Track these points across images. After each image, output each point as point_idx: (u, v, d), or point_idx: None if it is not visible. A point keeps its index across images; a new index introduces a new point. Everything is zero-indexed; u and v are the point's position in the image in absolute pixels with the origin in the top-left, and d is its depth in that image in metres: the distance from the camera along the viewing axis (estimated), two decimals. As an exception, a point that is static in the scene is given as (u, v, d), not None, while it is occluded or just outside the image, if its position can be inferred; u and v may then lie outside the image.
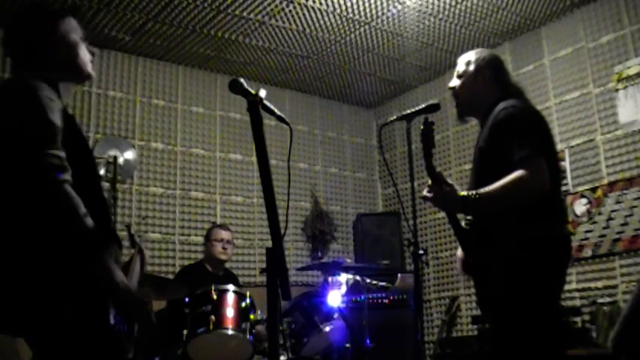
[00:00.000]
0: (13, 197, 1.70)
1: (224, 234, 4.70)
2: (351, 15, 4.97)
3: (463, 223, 2.55)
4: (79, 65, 2.00)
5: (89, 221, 1.68)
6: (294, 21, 5.01)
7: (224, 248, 4.65)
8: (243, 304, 3.72)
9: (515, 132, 2.37)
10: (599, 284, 4.64)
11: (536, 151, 2.31)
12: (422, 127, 2.42)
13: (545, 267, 2.34)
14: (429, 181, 2.44)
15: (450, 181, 2.43)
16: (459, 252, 2.67)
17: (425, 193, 2.46)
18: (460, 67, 2.69)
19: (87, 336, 1.72)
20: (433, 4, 4.86)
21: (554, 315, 2.40)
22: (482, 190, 2.34)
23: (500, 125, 2.42)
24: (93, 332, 1.73)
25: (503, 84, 2.63)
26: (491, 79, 2.62)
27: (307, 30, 5.16)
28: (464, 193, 2.37)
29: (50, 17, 1.99)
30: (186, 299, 3.69)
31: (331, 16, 4.96)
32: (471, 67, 2.64)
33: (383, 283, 4.51)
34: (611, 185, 4.66)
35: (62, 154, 1.70)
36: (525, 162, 2.29)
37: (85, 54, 2.03)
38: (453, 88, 2.70)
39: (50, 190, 1.65)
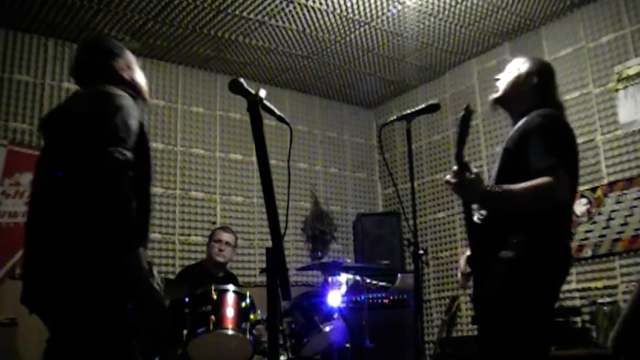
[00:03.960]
0: (77, 184, 1.85)
1: (223, 235, 4.71)
2: (351, 15, 4.97)
3: (475, 217, 2.55)
4: (142, 88, 2.31)
5: (134, 217, 1.82)
6: (294, 21, 5.01)
7: (220, 250, 4.65)
8: (243, 304, 3.73)
9: (546, 139, 2.37)
10: (599, 284, 4.64)
11: (563, 163, 2.32)
12: (463, 112, 2.40)
13: (544, 276, 2.36)
14: (455, 167, 2.42)
15: (475, 170, 2.43)
16: (462, 262, 2.69)
17: (448, 177, 2.46)
18: (513, 66, 2.69)
19: (105, 323, 1.84)
20: (433, 4, 4.86)
21: (544, 323, 2.41)
22: (505, 187, 2.35)
23: (532, 131, 2.41)
24: (111, 320, 1.85)
25: (548, 95, 2.63)
26: (538, 86, 2.62)
27: (307, 30, 5.16)
28: (487, 185, 2.38)
29: (117, 46, 2.33)
30: (186, 299, 3.69)
31: (331, 16, 4.96)
32: (524, 69, 2.65)
33: (383, 283, 4.51)
34: (611, 185, 4.66)
35: (130, 154, 1.88)
36: (552, 170, 2.29)
37: (144, 81, 2.34)
38: (497, 79, 2.71)
39: (111, 179, 1.80)
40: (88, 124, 1.91)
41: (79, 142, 1.88)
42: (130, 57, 2.33)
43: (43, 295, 1.89)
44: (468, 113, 2.39)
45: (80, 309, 1.84)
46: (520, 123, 2.51)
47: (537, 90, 2.62)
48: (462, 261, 2.72)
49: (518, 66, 2.68)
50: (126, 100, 2.02)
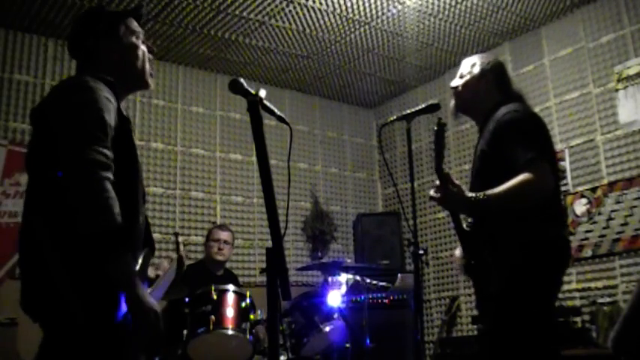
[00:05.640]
0: (55, 189, 1.74)
1: (221, 234, 4.71)
2: (351, 15, 4.97)
3: (464, 225, 2.56)
4: (136, 69, 2.05)
5: (119, 220, 1.69)
6: (294, 21, 5.01)
7: (220, 249, 4.66)
8: (243, 304, 3.72)
9: (519, 135, 2.39)
10: (599, 284, 4.64)
11: (541, 155, 2.34)
12: (435, 127, 2.43)
13: (544, 270, 2.36)
14: (437, 182, 2.44)
15: (457, 182, 2.44)
16: (457, 252, 2.69)
17: (432, 193, 2.47)
18: (464, 68, 2.71)
19: (92, 332, 1.74)
20: (433, 4, 4.86)
21: (549, 317, 2.43)
22: (489, 192, 2.35)
23: (504, 129, 2.43)
24: (98, 329, 1.74)
25: (505, 89, 2.66)
26: (494, 83, 2.65)
27: (307, 30, 5.16)
28: (471, 194, 2.38)
29: (108, 20, 2.05)
30: (186, 299, 3.69)
31: (331, 16, 4.96)
32: (476, 70, 2.67)
33: (383, 283, 4.51)
34: (611, 185, 4.66)
35: (109, 152, 1.75)
36: (530, 165, 2.31)
37: (143, 59, 2.06)
38: (455, 88, 2.72)
39: (89, 184, 1.68)
40: (58, 122, 1.78)
41: (51, 143, 1.75)
42: (124, 32, 2.03)
43: (28, 298, 1.81)
44: (441, 127, 2.41)
45: (58, 314, 1.75)
46: (490, 123, 2.52)
47: (494, 87, 2.64)
48: (458, 251, 2.72)
49: (469, 69, 2.69)
50: (100, 91, 1.82)
